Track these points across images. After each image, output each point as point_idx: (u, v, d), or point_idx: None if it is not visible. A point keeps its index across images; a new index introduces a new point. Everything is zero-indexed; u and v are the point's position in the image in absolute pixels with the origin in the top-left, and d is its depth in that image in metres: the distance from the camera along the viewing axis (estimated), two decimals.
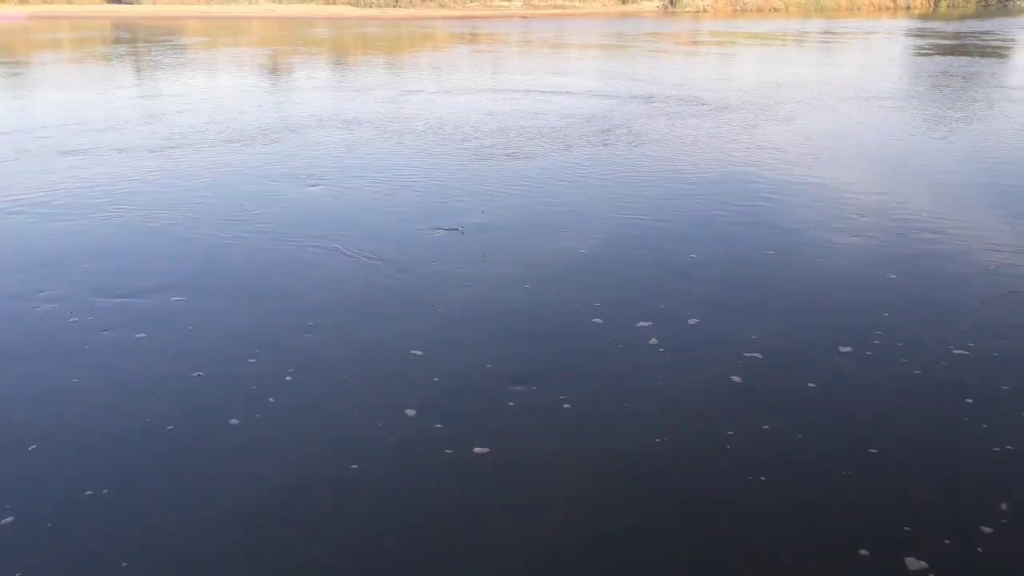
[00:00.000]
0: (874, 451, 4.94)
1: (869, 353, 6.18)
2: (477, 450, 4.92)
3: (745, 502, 4.49)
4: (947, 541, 4.17)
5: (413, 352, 6.08)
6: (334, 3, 73.67)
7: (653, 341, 6.31)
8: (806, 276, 7.84)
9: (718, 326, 6.60)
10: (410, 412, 5.30)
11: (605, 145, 13.95)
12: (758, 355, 6.10)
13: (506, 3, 77.39)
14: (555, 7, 78.22)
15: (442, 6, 75.76)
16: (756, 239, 8.89)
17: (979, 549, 4.12)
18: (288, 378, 5.73)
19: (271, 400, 5.46)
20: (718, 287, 7.47)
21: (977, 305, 7.07)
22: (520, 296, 7.23)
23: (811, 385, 5.71)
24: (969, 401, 5.51)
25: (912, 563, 4.01)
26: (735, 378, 5.78)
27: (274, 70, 27.10)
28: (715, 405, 5.46)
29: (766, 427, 5.19)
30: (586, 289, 7.38)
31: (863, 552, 4.10)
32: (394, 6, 74.40)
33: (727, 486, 4.62)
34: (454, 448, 4.93)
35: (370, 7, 73.61)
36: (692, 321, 6.71)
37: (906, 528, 4.26)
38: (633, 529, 4.28)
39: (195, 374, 5.80)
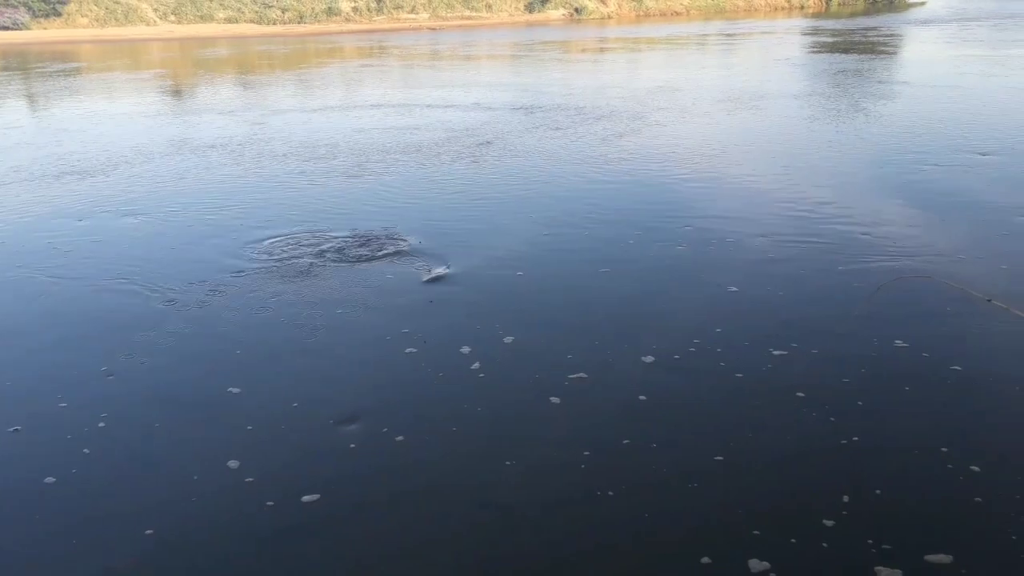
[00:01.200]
0: (719, 458, 5.05)
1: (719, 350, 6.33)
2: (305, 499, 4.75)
3: (592, 515, 4.57)
4: (792, 540, 4.30)
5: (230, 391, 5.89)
6: (236, 22, 72.04)
7: (475, 366, 6.20)
8: (682, 276, 8.00)
9: (537, 345, 6.53)
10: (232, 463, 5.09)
11: (473, 161, 13.64)
12: (583, 375, 6.11)
13: (414, 16, 76.82)
14: (463, 18, 78.04)
15: (348, 20, 74.78)
16: (595, 248, 8.93)
17: (824, 544, 4.27)
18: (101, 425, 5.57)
19: (86, 451, 5.30)
20: (544, 307, 7.39)
21: (870, 293, 7.37)
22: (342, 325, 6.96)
23: (642, 397, 5.79)
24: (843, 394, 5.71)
25: (755, 565, 4.11)
26: (554, 399, 5.78)
27: (145, 94, 26.02)
28: (543, 426, 5.46)
29: (605, 438, 5.27)
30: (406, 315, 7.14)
31: (705, 560, 4.18)
32: (299, 22, 73.14)
33: (572, 507, 4.66)
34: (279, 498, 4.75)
35: (274, 24, 72.22)
36: (508, 340, 6.58)
37: (754, 532, 4.38)
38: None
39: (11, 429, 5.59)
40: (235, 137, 17.05)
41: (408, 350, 6.53)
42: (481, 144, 14.94)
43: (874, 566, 4.10)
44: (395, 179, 12.56)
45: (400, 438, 5.35)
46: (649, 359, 6.31)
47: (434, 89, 24.92)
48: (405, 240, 9.22)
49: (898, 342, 6.47)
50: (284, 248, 8.91)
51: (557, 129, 16.33)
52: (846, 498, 4.62)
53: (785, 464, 4.98)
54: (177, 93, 26.96)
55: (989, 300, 6.99)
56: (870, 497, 4.66)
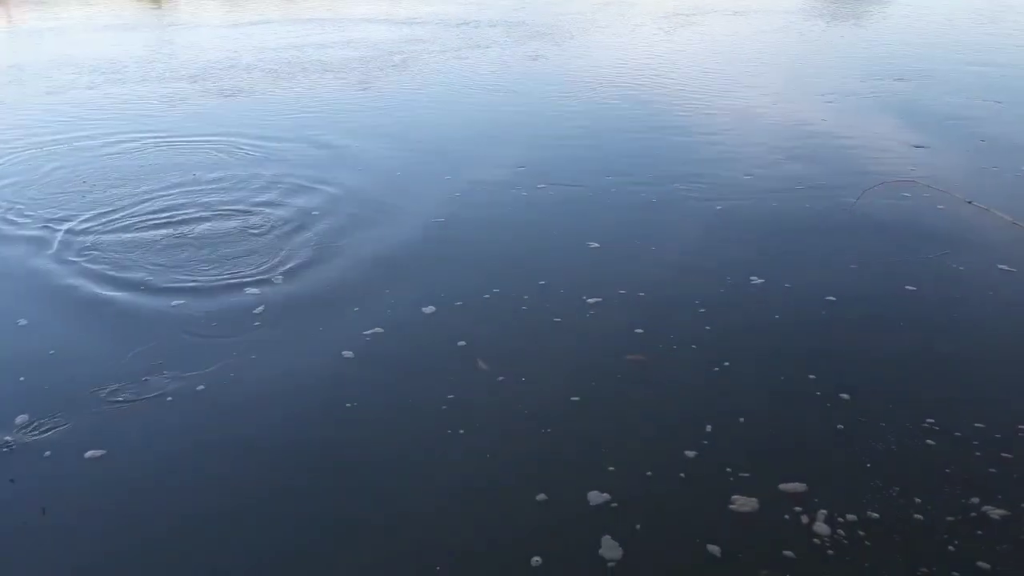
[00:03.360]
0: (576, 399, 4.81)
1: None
2: None
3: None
4: (648, 472, 4.11)
5: None
6: None
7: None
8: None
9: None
10: None
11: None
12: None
13: None
14: None
15: None
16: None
17: (681, 474, 4.09)
18: None
19: None
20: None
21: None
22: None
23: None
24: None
25: (596, 497, 3.91)
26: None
27: None
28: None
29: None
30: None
31: (541, 497, 3.95)
32: None
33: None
34: None
35: None
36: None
37: (609, 468, 4.17)
38: None
39: None
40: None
41: None
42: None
43: (731, 495, 3.91)
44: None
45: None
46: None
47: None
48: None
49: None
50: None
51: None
52: (709, 427, 4.42)
53: (658, 394, 4.78)
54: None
55: (969, 202, 7.36)
56: (733, 425, 4.46)
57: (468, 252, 6.72)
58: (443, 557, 3.57)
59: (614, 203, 7.79)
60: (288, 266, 6.46)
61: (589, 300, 5.80)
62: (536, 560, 3.52)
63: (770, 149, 9.63)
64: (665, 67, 14.76)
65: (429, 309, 5.70)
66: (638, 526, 3.71)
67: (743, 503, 3.87)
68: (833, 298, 5.81)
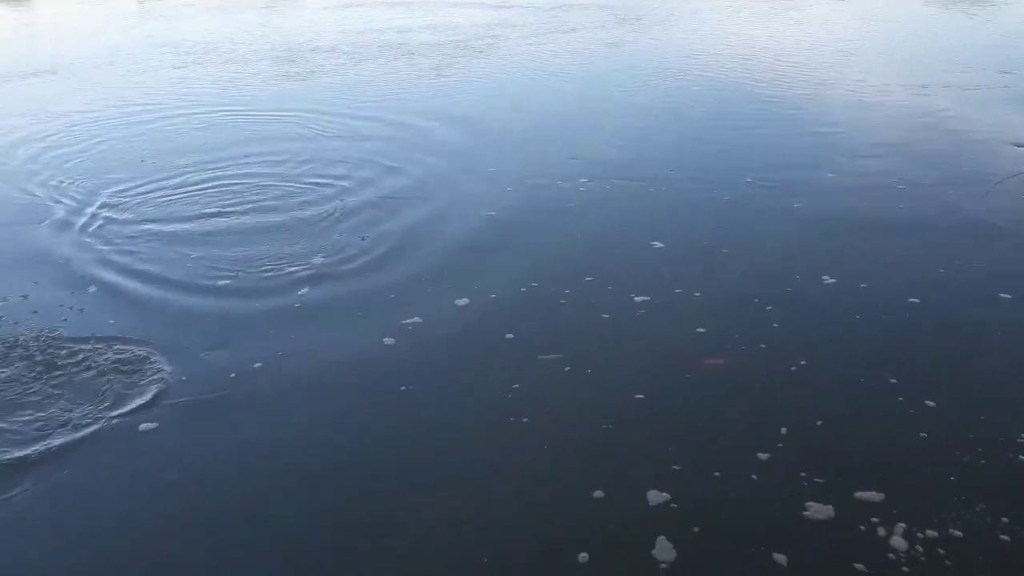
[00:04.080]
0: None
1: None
2: None
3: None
4: (716, 473, 3.92)
5: None
6: None
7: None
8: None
9: None
10: None
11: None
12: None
13: None
14: None
15: None
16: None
17: (753, 476, 3.90)
18: None
19: None
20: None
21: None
22: None
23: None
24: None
25: (655, 496, 3.75)
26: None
27: None
28: None
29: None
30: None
31: (598, 494, 3.81)
32: None
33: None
34: None
35: None
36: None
37: (674, 467, 4.02)
38: None
39: None
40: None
41: None
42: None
43: (805, 501, 3.70)
44: None
45: None
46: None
47: None
48: None
49: None
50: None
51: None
52: (784, 430, 4.20)
53: (727, 394, 4.57)
54: None
55: None
56: (809, 429, 4.23)
57: (528, 245, 6.53)
58: (487, 545, 3.50)
59: (685, 200, 7.45)
60: (341, 247, 6.49)
61: (643, 299, 5.55)
62: (583, 556, 3.41)
63: (868, 144, 9.10)
64: (764, 54, 14.20)
65: (489, 298, 5.64)
66: (696, 529, 3.55)
67: (817, 510, 3.66)
68: (916, 300, 5.47)
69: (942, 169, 8.19)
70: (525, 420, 4.30)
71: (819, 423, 4.27)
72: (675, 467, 3.94)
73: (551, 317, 5.37)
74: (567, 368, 4.77)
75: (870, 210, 7.10)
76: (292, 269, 6.09)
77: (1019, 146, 8.99)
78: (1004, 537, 3.47)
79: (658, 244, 6.42)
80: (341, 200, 7.49)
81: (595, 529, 3.56)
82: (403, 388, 4.63)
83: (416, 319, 5.34)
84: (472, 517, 3.68)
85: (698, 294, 5.61)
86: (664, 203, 7.38)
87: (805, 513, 3.64)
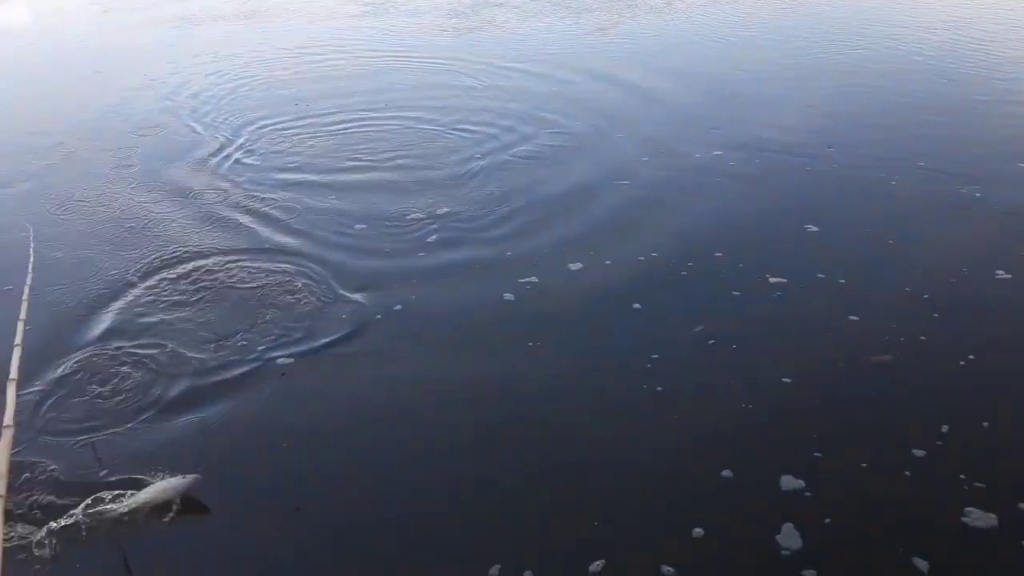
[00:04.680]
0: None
1: None
2: None
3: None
4: (863, 464, 3.68)
5: None
6: None
7: None
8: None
9: None
10: None
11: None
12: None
13: None
14: None
15: None
16: None
17: (907, 473, 3.61)
18: None
19: None
20: None
21: None
22: None
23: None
24: None
25: (788, 482, 3.55)
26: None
27: None
28: None
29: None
30: None
31: (726, 474, 3.66)
32: None
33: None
34: None
35: None
36: None
37: (815, 454, 3.80)
38: None
39: None
40: None
41: None
42: None
43: (964, 507, 3.38)
44: None
45: None
46: None
47: None
48: None
49: None
50: None
51: None
52: (945, 428, 3.84)
53: (883, 385, 4.23)
54: None
55: None
56: (974, 430, 3.84)
57: (659, 217, 6.18)
58: (598, 512, 3.43)
59: (851, 179, 6.79)
60: (473, 201, 6.48)
61: (782, 282, 5.16)
62: (698, 531, 3.27)
63: None
64: (948, 27, 12.62)
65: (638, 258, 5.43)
66: (828, 520, 3.29)
67: (978, 518, 3.33)
68: None
69: None
70: (660, 389, 4.15)
71: (985, 424, 3.87)
72: (816, 454, 3.69)
73: (677, 289, 5.16)
74: (711, 342, 4.55)
75: None
76: (421, 218, 6.17)
77: None
78: None
79: (812, 227, 5.88)
80: (481, 157, 7.44)
81: (717, 506, 3.42)
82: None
83: (533, 279, 5.25)
84: (589, 475, 3.63)
85: (842, 280, 5.15)
86: (816, 184, 6.76)
87: (964, 519, 3.32)
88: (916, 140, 7.48)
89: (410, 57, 11.32)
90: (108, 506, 3.44)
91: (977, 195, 6.35)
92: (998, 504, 3.37)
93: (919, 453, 3.69)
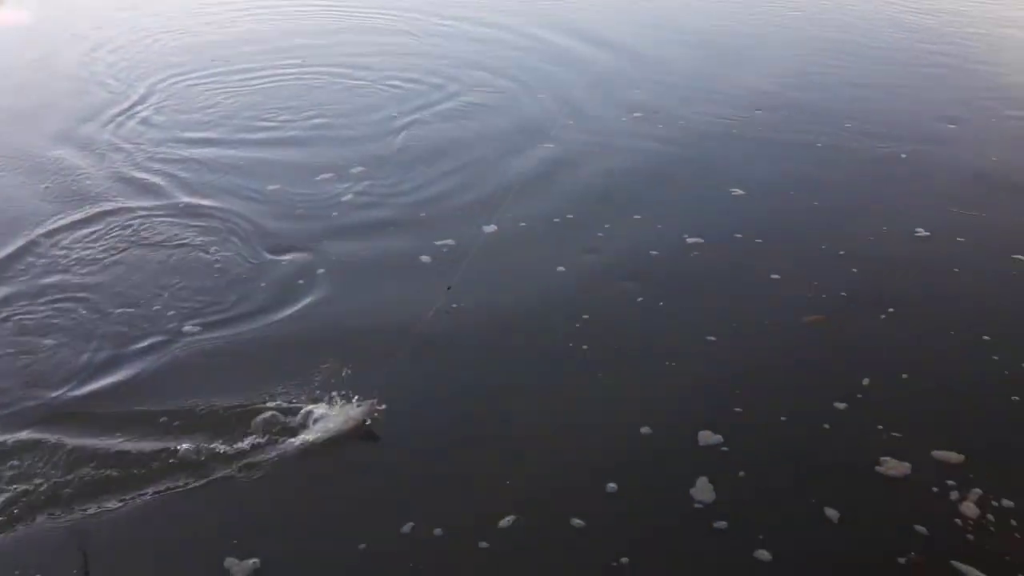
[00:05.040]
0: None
1: None
2: None
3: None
4: (782, 417, 3.75)
5: None
6: None
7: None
8: None
9: None
10: None
11: None
12: None
13: None
14: None
15: None
16: None
17: (825, 425, 3.70)
18: None
19: None
20: None
21: None
22: None
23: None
24: None
25: (706, 437, 3.60)
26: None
27: None
28: None
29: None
30: None
31: (645, 430, 3.68)
32: None
33: None
34: None
35: None
36: None
37: (735, 408, 3.84)
38: None
39: None
40: None
41: None
42: None
43: (880, 456, 3.46)
44: None
45: None
46: None
47: None
48: None
49: None
50: None
51: None
52: (866, 380, 3.92)
53: (806, 343, 4.29)
54: None
55: None
56: (894, 380, 3.94)
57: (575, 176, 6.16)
58: (509, 467, 3.46)
59: (777, 141, 6.78)
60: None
61: (699, 241, 5.17)
62: (611, 487, 3.30)
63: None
64: None
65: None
66: (742, 473, 3.39)
67: (892, 467, 3.41)
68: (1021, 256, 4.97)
69: None
70: (586, 348, 4.18)
71: (905, 376, 3.97)
72: (736, 409, 3.75)
73: (597, 250, 5.12)
74: (639, 299, 4.61)
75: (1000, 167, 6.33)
76: (336, 178, 6.07)
77: None
78: None
79: (737, 191, 5.86)
80: (403, 115, 7.31)
81: (633, 462, 3.45)
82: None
83: (449, 241, 5.19)
84: (506, 439, 3.65)
85: (759, 240, 5.18)
86: (742, 146, 6.69)
87: (878, 468, 3.40)
88: (846, 103, 7.52)
89: (349, 9, 10.96)
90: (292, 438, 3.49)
91: (903, 156, 6.43)
92: (912, 452, 3.45)
93: (840, 406, 3.76)
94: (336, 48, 9.29)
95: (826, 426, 3.66)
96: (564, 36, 9.71)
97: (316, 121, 7.12)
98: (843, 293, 4.63)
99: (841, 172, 6.16)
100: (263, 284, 4.71)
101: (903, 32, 9.65)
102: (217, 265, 4.91)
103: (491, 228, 5.31)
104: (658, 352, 4.15)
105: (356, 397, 3.63)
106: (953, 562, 2.97)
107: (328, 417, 3.56)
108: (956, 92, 7.82)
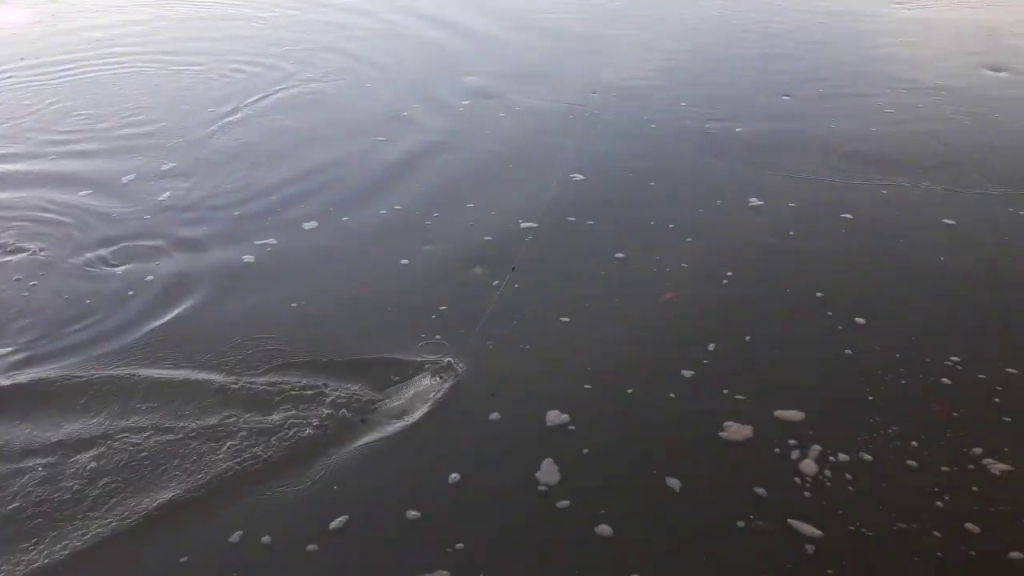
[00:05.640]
0: None
1: None
2: None
3: None
4: (629, 389, 3.74)
5: None
6: None
7: None
8: None
9: None
10: None
11: None
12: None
13: None
14: None
15: None
16: None
17: (671, 395, 3.70)
18: None
19: None
20: None
21: None
22: None
23: None
24: None
25: (553, 417, 3.55)
26: None
27: None
28: None
29: None
30: None
31: (495, 417, 3.63)
32: None
33: None
34: None
35: None
36: None
37: (585, 386, 3.82)
38: None
39: None
40: None
41: None
42: None
43: (723, 422, 3.49)
44: None
45: None
46: None
47: None
48: None
49: None
50: None
51: None
52: (712, 346, 3.98)
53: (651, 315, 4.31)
54: None
55: None
56: (737, 344, 4.01)
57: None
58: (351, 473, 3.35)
59: (612, 123, 6.73)
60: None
61: (532, 226, 5.10)
62: (454, 477, 3.24)
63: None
64: None
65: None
66: (587, 451, 3.38)
67: (735, 431, 3.45)
68: (849, 216, 5.14)
69: None
70: (439, 337, 4.12)
71: (747, 338, 4.06)
72: (586, 386, 3.75)
73: (427, 242, 5.01)
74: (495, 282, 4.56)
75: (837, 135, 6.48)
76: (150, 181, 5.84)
77: None
78: (911, 463, 3.28)
79: (577, 176, 5.80)
80: (224, 108, 7.08)
81: (478, 449, 3.40)
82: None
83: (271, 240, 5.06)
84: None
85: (591, 222, 5.18)
86: (580, 130, 6.60)
87: (721, 434, 3.45)
88: (689, 89, 7.47)
89: None
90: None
91: (737, 129, 6.51)
92: (755, 415, 3.51)
93: (687, 374, 3.79)
94: (168, 35, 8.94)
95: (672, 395, 3.68)
96: (421, 21, 9.57)
97: (132, 118, 6.84)
98: (684, 264, 4.68)
99: (674, 149, 6.21)
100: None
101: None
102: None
103: (312, 224, 5.19)
104: (503, 334, 4.10)
105: None
106: (790, 520, 3.02)
107: None
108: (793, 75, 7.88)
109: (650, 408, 3.62)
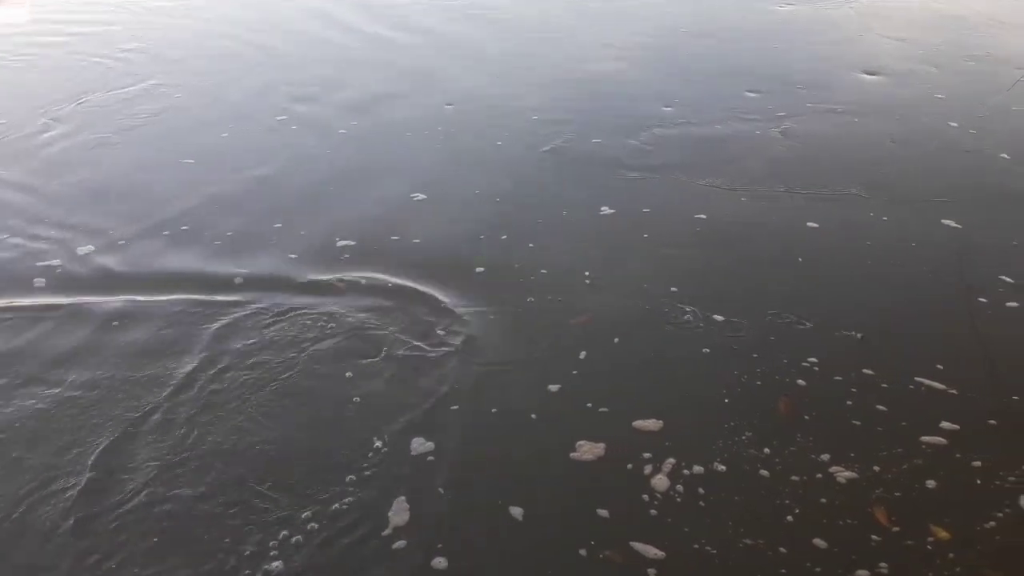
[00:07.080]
0: None
1: None
2: None
3: None
4: (494, 410, 3.71)
5: None
6: None
7: None
8: None
9: None
10: None
11: None
12: None
13: None
14: None
15: None
16: None
17: (532, 416, 3.68)
18: None
19: None
20: None
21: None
22: None
23: None
24: None
25: (418, 446, 3.47)
26: None
27: None
28: None
29: None
30: None
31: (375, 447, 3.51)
32: None
33: None
34: None
35: None
36: None
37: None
38: None
39: None
40: None
41: None
42: None
43: (577, 440, 3.45)
44: None
45: None
46: None
47: None
48: None
49: None
50: None
51: None
52: (583, 354, 3.96)
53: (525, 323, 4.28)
54: None
55: None
56: (607, 350, 4.01)
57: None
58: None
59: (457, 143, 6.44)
60: None
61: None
62: (306, 515, 3.13)
63: None
64: None
65: None
66: (441, 486, 3.27)
67: (586, 451, 3.41)
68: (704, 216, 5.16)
69: None
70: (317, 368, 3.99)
71: (616, 340, 4.04)
72: (453, 407, 3.66)
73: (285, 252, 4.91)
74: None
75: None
76: None
77: None
78: (764, 472, 3.25)
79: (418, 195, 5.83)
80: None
81: (333, 485, 3.28)
82: None
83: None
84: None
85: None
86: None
87: (573, 455, 3.39)
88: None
89: None
90: None
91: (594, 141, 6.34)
92: (613, 427, 3.49)
93: (553, 388, 3.76)
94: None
95: (533, 416, 3.61)
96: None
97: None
98: (543, 271, 4.66)
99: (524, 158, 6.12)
100: None
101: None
102: None
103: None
104: (389, 344, 4.08)
105: None
106: (632, 543, 2.97)
107: None
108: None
109: (511, 432, 3.56)
